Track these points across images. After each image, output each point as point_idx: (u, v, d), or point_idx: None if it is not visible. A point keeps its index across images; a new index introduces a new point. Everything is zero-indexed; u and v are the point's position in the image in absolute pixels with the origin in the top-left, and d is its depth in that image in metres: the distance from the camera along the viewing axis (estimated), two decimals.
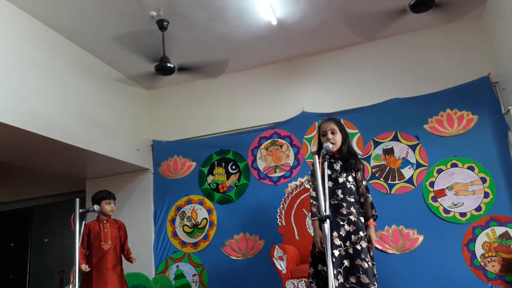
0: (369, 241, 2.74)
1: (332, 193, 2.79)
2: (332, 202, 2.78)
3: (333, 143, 2.82)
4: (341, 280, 2.59)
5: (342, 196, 2.80)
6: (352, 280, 2.59)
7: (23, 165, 4.85)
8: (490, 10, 4.19)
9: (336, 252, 2.62)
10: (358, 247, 2.65)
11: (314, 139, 4.68)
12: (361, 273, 2.57)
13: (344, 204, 2.77)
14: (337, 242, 2.67)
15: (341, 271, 2.61)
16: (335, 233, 2.67)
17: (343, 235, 2.71)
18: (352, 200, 2.81)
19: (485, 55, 4.35)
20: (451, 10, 4.24)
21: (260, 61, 5.05)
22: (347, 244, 2.69)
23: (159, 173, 5.23)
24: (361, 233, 2.70)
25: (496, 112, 4.19)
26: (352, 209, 2.78)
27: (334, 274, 2.51)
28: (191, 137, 5.25)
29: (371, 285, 2.53)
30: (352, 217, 2.75)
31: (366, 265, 2.59)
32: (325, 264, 2.65)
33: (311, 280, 2.77)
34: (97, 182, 5.30)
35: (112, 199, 3.79)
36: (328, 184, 2.56)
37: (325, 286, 2.64)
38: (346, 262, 2.64)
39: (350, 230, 2.72)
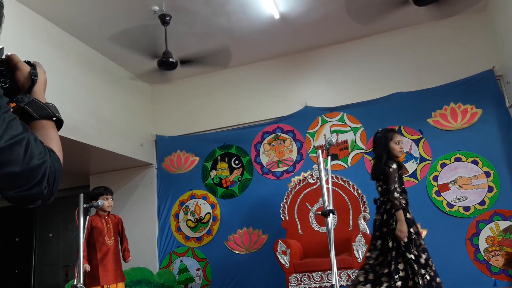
0: None
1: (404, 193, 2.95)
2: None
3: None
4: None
5: None
6: None
7: None
8: (495, 3, 4.16)
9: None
10: None
11: (317, 134, 4.67)
12: None
13: None
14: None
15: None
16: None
17: None
18: None
19: (489, 48, 4.32)
20: (455, 3, 4.21)
21: (263, 56, 5.03)
22: None
23: (163, 168, 5.24)
24: None
25: (500, 105, 4.17)
26: None
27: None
28: (194, 132, 5.26)
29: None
30: None
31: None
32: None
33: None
34: (101, 177, 5.32)
35: (109, 194, 3.75)
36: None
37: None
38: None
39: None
